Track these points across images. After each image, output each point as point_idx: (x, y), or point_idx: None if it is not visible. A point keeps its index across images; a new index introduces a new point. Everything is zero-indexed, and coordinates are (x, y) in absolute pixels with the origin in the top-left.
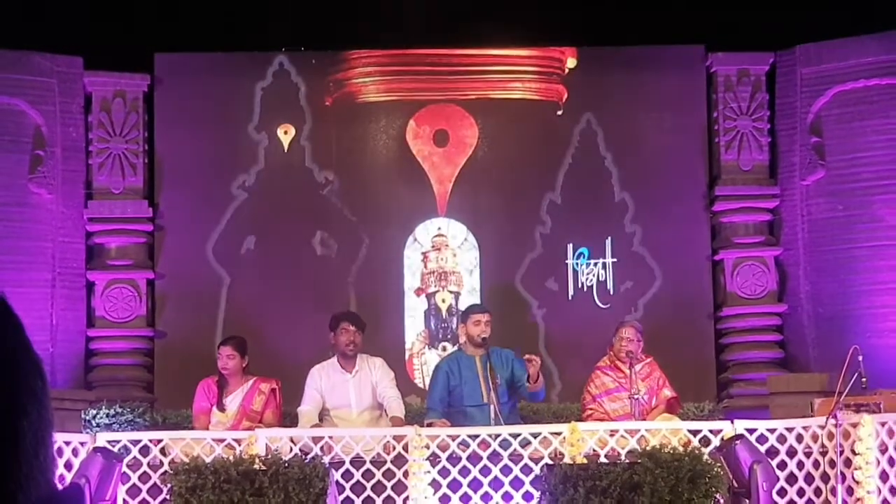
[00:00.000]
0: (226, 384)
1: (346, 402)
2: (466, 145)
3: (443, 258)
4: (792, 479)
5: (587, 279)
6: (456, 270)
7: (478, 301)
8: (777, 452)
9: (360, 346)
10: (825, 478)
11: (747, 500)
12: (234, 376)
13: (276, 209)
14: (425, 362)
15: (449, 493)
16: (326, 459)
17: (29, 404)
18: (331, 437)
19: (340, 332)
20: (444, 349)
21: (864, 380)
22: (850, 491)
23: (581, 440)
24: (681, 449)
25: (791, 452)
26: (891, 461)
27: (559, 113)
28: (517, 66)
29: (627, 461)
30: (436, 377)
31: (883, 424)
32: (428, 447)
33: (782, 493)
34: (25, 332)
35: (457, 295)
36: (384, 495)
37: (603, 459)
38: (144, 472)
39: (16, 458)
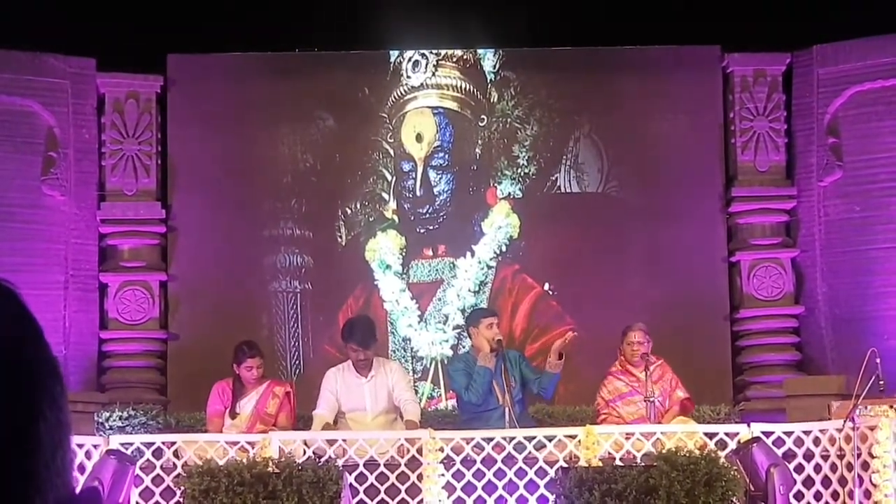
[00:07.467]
0: (241, 387)
1: (362, 406)
2: None
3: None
4: (809, 482)
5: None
6: None
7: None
8: (794, 456)
9: (371, 357)
10: (842, 481)
11: None
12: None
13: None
14: None
15: (463, 496)
16: (340, 462)
17: (46, 407)
18: (344, 440)
19: (349, 349)
20: None
21: (881, 382)
22: (867, 494)
23: (596, 443)
24: (697, 452)
25: (808, 456)
26: None
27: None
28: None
29: (643, 464)
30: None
31: None
32: (442, 450)
33: (799, 496)
34: (43, 333)
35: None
36: (398, 498)
37: (618, 463)
38: (157, 475)
39: (33, 461)
